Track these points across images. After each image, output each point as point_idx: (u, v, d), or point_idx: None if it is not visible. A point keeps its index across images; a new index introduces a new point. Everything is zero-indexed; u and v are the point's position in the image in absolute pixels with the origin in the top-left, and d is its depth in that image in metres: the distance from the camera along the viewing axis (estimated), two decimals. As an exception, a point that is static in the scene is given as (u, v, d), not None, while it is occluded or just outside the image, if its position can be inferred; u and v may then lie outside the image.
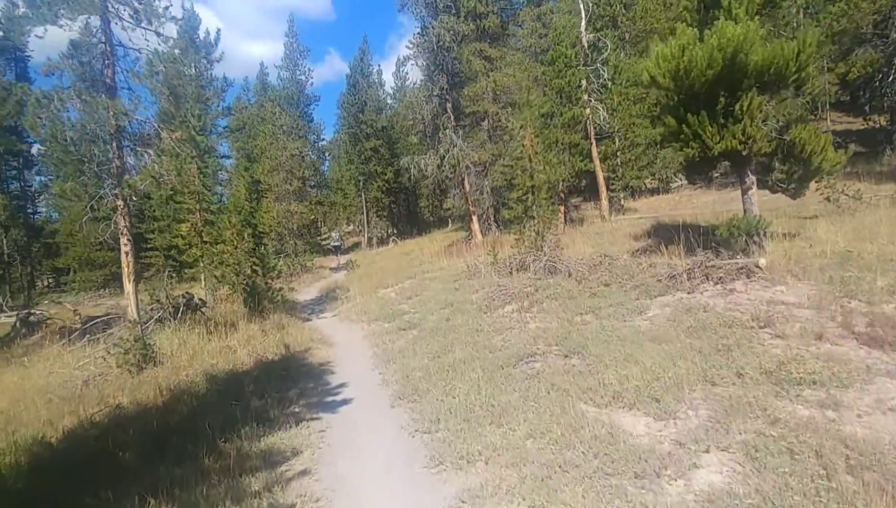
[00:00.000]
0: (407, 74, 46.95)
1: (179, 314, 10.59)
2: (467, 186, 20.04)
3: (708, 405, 4.21)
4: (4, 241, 36.32)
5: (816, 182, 10.95)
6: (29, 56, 33.60)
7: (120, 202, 7.94)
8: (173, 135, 8.10)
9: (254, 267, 12.06)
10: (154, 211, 25.02)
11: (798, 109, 10.67)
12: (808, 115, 18.09)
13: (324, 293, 16.28)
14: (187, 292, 16.55)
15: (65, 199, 25.72)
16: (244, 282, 12.15)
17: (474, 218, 20.19)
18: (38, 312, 15.29)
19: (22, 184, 38.72)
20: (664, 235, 12.13)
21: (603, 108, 18.75)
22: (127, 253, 7.94)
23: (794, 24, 15.19)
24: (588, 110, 18.64)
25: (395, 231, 41.28)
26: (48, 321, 15.61)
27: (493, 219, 21.49)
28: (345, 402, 6.11)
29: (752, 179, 8.73)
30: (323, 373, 7.30)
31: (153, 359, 8.02)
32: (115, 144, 8.02)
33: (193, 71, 34.78)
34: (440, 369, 6.38)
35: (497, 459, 4.04)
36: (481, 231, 20.42)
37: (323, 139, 41.33)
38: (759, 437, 3.63)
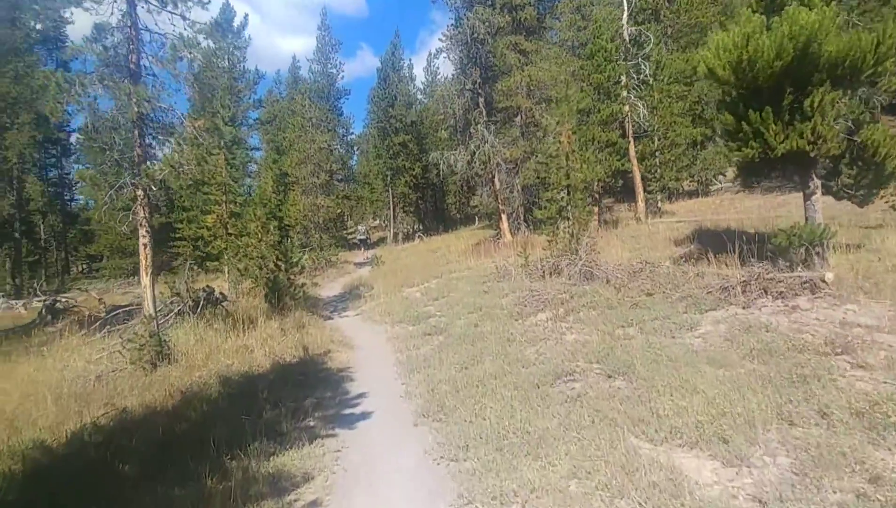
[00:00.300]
0: (438, 69, 46.48)
1: (200, 309, 10.31)
2: (497, 184, 19.41)
3: (788, 451, 3.55)
4: (42, 227, 37.34)
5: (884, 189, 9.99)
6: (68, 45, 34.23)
7: (140, 192, 7.64)
8: (195, 123, 7.75)
9: (277, 261, 11.73)
10: (183, 201, 25.16)
11: (861, 108, 9.73)
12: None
13: (347, 290, 15.91)
14: (208, 286, 16.41)
15: (88, 186, 26.07)
16: (266, 276, 11.84)
17: (503, 217, 19.56)
18: (64, 299, 15.34)
19: (60, 171, 39.76)
20: (709, 241, 11.32)
21: (643, 105, 17.85)
22: (145, 245, 7.63)
23: (871, 16, 13.96)
24: (627, 107, 17.79)
25: (420, 227, 40.91)
26: (74, 309, 15.69)
27: (522, 218, 20.82)
28: (364, 416, 5.62)
29: (816, 183, 7.89)
30: (342, 380, 6.84)
31: (168, 356, 7.70)
32: (136, 132, 7.72)
33: (226, 63, 35.10)
34: (468, 383, 5.83)
35: (536, 502, 3.48)
36: (510, 231, 19.77)
37: (352, 133, 41.19)
38: (861, 500, 2.98)
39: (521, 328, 7.91)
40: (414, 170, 37.63)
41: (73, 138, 35.04)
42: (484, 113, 18.81)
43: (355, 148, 42.97)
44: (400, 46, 40.69)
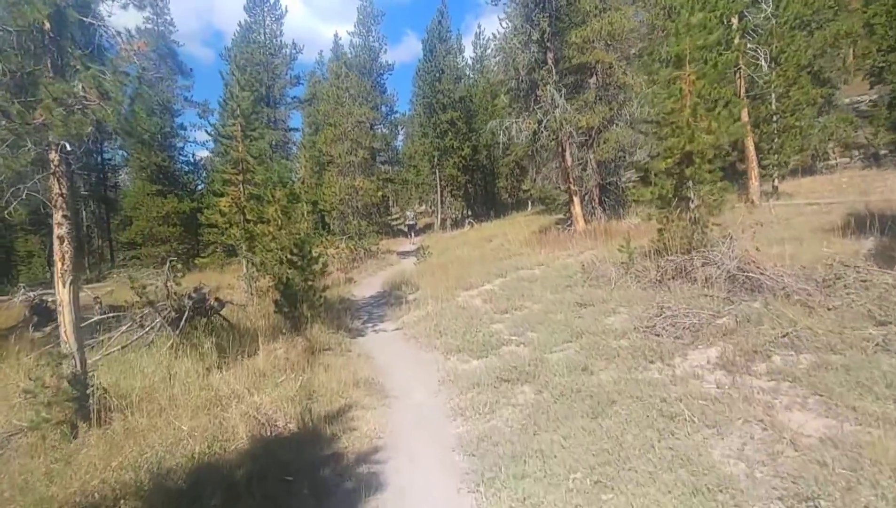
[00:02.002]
0: (487, 42, 42.70)
1: (184, 321, 7.51)
2: (568, 160, 15.86)
3: None
4: (84, 213, 36.53)
5: None
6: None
7: (53, 155, 4.83)
8: (135, 45, 4.86)
9: (291, 256, 8.81)
10: (213, 183, 23.00)
11: None
12: None
13: (387, 289, 12.93)
14: (198, 289, 13.84)
15: None
16: (279, 276, 8.99)
17: (576, 200, 16.02)
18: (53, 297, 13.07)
19: (101, 156, 38.89)
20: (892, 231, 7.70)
21: (763, 55, 13.80)
22: (62, 239, 4.82)
23: None
24: (741, 57, 13.79)
25: (469, 213, 37.64)
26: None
27: (598, 201, 17.21)
28: None
29: None
30: (360, 491, 3.74)
31: (101, 412, 4.89)
32: (49, 60, 4.88)
33: (262, 37, 32.73)
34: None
35: None
36: (584, 216, 16.22)
37: (396, 112, 38.12)
38: None
39: (672, 379, 4.59)
40: (463, 150, 34.30)
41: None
42: (553, 71, 15.25)
43: (400, 128, 39.91)
44: (447, 15, 37.13)
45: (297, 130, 30.09)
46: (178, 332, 7.36)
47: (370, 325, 9.40)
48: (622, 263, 8.98)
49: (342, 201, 19.63)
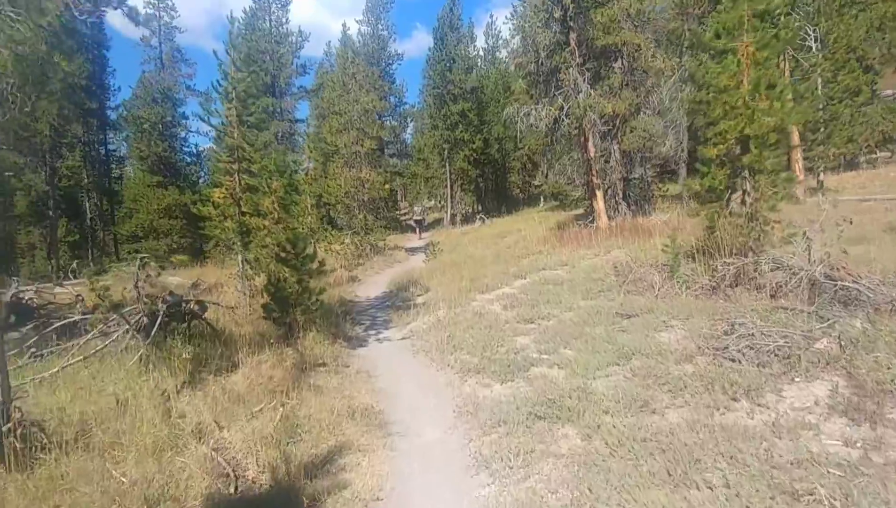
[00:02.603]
0: (499, 32, 41.39)
1: (156, 327, 6.42)
2: (591, 150, 14.61)
3: None
4: (87, 206, 35.73)
5: None
6: None
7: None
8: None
9: (283, 254, 7.68)
10: (214, 174, 21.96)
11: None
12: None
13: (394, 289, 11.80)
14: (197, 282, 12.77)
15: None
16: (270, 277, 7.89)
17: (599, 194, 14.77)
18: (35, 293, 12.09)
19: (106, 148, 38.05)
20: None
21: (811, 34, 12.46)
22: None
23: None
24: (785, 32, 12.42)
25: (480, 208, 36.42)
26: (48, 307, 12.49)
27: (621, 196, 15.95)
28: None
29: None
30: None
31: (24, 451, 3.80)
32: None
33: (268, 24, 31.66)
34: None
35: None
36: (607, 212, 14.98)
37: (405, 103, 36.97)
38: None
39: (773, 429, 3.40)
40: (474, 143, 33.09)
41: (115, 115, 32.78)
42: (576, 53, 13.99)
43: (409, 120, 38.69)
44: (458, 2, 35.81)
45: (302, 120, 28.89)
46: (148, 341, 6.27)
47: (373, 333, 8.26)
48: (665, 265, 7.77)
49: (347, 195, 18.49)
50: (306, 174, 18.35)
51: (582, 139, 14.69)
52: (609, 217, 15.00)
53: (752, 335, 4.67)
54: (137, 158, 26.39)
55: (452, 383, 5.45)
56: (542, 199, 36.13)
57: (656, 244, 10.56)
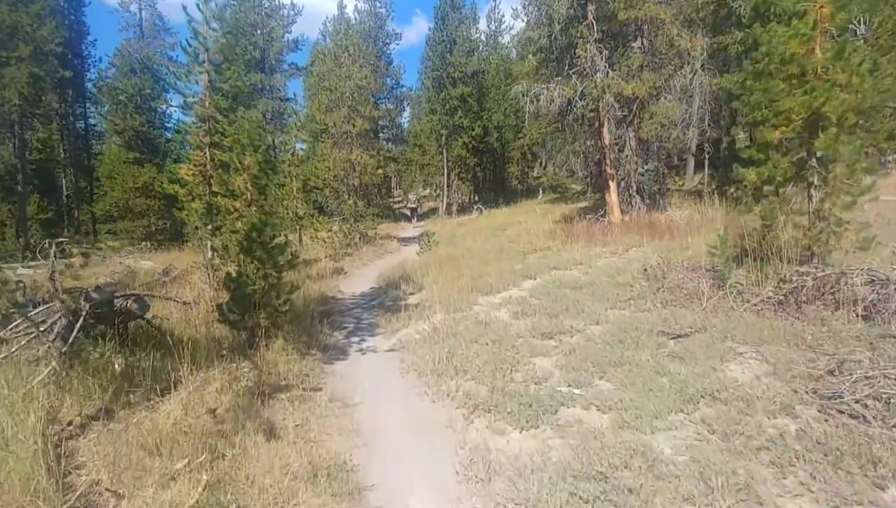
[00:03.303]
0: (502, 16, 39.72)
1: (76, 332, 5.00)
2: (606, 137, 13.24)
3: None
4: (64, 182, 33.83)
5: None
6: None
7: None
8: None
9: (245, 244, 6.27)
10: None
11: None
12: None
13: (383, 286, 10.43)
14: (152, 272, 11.42)
15: None
16: (230, 271, 6.48)
17: (612, 185, 13.43)
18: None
19: (86, 122, 36.09)
20: None
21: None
22: None
23: None
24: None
25: (476, 198, 34.99)
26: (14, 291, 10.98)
27: (635, 190, 14.60)
28: None
29: None
30: None
31: None
32: None
33: (258, -6, 29.74)
34: None
35: None
36: (620, 206, 13.65)
37: (402, 85, 35.25)
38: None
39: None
40: (473, 130, 31.52)
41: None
42: (594, 28, 12.57)
43: (405, 103, 36.98)
44: (462, -22, 33.96)
45: (292, 99, 27.17)
46: (66, 348, 4.88)
47: (355, 341, 6.88)
48: (709, 270, 6.46)
49: (336, 178, 16.99)
50: (292, 154, 16.81)
51: (596, 125, 13.31)
52: (622, 211, 13.68)
53: (874, 377, 3.36)
54: (113, 132, 24.59)
55: (454, 423, 4.10)
56: (540, 191, 34.86)
57: (686, 243, 9.28)
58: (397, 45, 38.37)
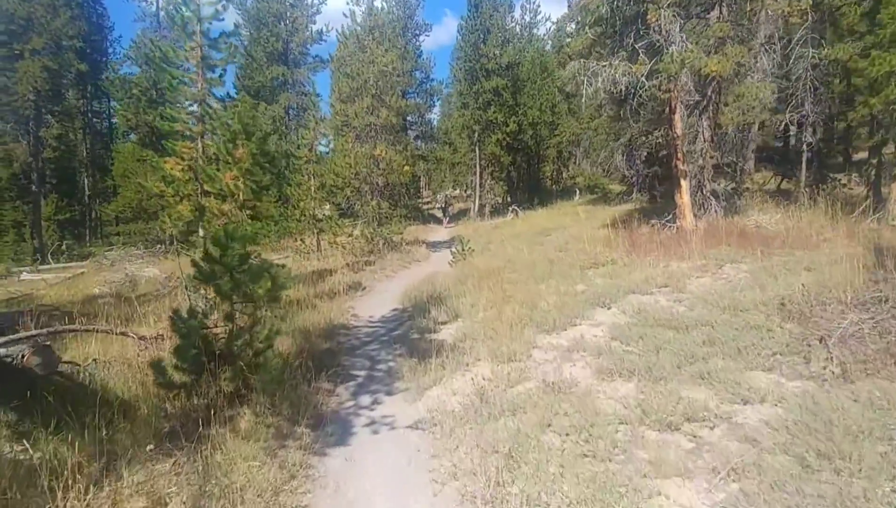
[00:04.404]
0: (538, 6, 37.27)
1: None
2: (678, 125, 10.90)
3: None
4: (85, 182, 33.03)
5: None
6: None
7: None
8: None
9: (204, 267, 4.29)
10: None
11: None
12: None
13: (408, 307, 8.41)
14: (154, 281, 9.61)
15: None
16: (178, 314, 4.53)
17: (684, 185, 11.05)
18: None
19: (109, 120, 35.35)
20: None
21: None
22: None
23: None
24: None
25: (509, 199, 32.73)
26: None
27: (707, 188, 12.17)
28: None
29: None
30: None
31: None
32: None
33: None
34: None
35: None
36: (692, 209, 11.27)
37: (432, 79, 33.21)
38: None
39: None
40: (508, 126, 29.30)
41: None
42: (668, -7, 10.29)
43: (435, 98, 34.91)
44: (496, -35, 31.72)
45: (312, 92, 25.50)
46: None
47: (365, 403, 4.81)
48: (872, 303, 4.18)
49: (358, 176, 15.05)
50: (309, 150, 14.96)
51: (666, 111, 10.99)
52: (696, 215, 11.31)
53: None
54: (126, 128, 23.34)
55: None
56: (577, 191, 32.52)
57: (799, 259, 6.96)
58: (427, 36, 36.45)
